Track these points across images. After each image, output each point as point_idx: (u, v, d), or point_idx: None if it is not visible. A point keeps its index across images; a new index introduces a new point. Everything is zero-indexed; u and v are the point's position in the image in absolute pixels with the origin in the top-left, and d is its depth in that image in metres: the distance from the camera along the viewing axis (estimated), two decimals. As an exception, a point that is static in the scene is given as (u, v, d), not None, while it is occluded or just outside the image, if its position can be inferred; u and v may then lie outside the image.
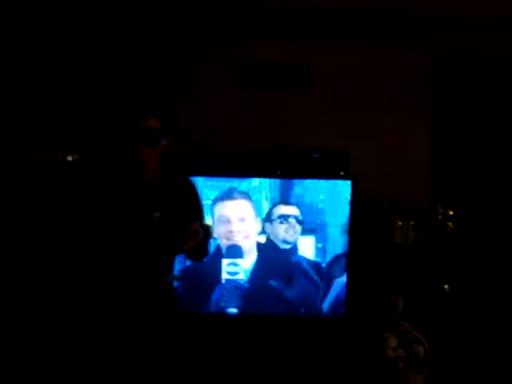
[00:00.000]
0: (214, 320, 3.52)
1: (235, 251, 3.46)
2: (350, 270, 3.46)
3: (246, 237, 3.45)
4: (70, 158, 3.33)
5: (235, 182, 3.47)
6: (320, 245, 3.43)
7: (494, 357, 3.82)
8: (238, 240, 3.44)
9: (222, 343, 3.44)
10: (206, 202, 3.45)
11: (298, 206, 3.45)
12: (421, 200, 3.81)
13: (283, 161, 3.57)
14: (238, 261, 3.45)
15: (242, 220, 3.45)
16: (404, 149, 3.86)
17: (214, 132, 3.77)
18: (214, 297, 3.50)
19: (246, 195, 3.46)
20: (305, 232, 3.43)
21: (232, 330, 3.47)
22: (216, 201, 3.46)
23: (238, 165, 3.54)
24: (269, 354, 3.42)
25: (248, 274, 3.46)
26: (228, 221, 3.44)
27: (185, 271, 3.50)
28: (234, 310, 3.50)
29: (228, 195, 3.46)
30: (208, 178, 3.47)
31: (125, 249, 2.07)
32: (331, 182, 3.46)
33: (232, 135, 3.75)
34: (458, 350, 3.87)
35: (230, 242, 3.45)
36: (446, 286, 3.76)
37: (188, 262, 3.43)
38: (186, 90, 3.80)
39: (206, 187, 3.46)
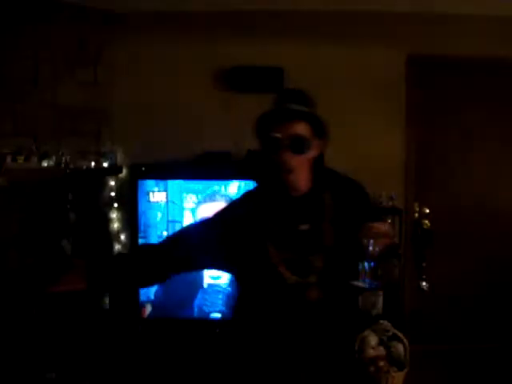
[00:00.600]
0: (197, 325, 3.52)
1: None
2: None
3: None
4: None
5: (217, 186, 3.47)
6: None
7: (472, 352, 3.88)
8: None
9: (205, 348, 3.42)
10: (188, 206, 3.47)
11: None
12: (397, 198, 3.85)
13: (259, 164, 3.57)
14: None
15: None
16: (379, 148, 3.89)
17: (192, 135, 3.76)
18: (197, 302, 3.48)
19: (226, 197, 3.47)
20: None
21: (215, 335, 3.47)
22: (200, 204, 3.48)
23: (217, 168, 3.55)
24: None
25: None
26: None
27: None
28: (217, 315, 3.51)
29: (211, 198, 3.47)
30: (189, 181, 3.49)
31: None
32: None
33: (209, 138, 3.74)
34: (438, 345, 3.93)
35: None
36: (424, 284, 3.80)
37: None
38: (161, 92, 3.80)
39: (188, 191, 3.47)
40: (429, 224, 3.89)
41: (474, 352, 3.92)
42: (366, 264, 1.86)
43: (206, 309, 3.54)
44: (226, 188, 3.50)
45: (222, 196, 3.49)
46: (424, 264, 3.86)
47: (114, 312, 3.64)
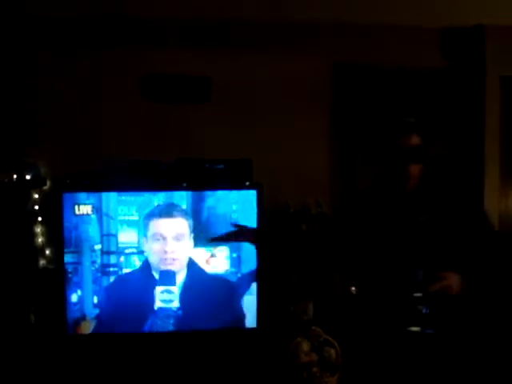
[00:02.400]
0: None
1: (169, 277, 3.39)
2: (260, 280, 3.49)
3: (179, 259, 3.39)
4: None
5: (148, 197, 3.41)
6: (235, 255, 3.44)
7: (402, 354, 3.97)
8: (172, 264, 3.38)
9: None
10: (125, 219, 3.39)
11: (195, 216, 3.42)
12: (324, 205, 3.91)
13: (189, 173, 3.56)
14: (172, 288, 3.40)
15: (177, 239, 3.38)
16: (304, 156, 3.95)
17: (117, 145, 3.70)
18: (147, 325, 3.45)
19: (183, 212, 3.40)
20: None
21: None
22: (150, 217, 3.38)
23: (144, 178, 3.50)
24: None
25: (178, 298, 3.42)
26: (163, 239, 3.36)
27: (111, 290, 3.41)
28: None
29: (165, 212, 3.39)
30: (123, 193, 3.40)
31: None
32: (242, 192, 3.48)
33: (136, 148, 3.69)
34: (368, 350, 4.00)
35: (165, 267, 3.38)
36: (353, 289, 3.87)
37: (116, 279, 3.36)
38: (86, 101, 3.73)
39: (120, 203, 3.40)
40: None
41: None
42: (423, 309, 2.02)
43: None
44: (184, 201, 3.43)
45: (180, 212, 3.40)
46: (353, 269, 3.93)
47: (39, 328, 3.52)
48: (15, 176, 3.50)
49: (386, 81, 4.06)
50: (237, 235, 2.75)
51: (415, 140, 2.13)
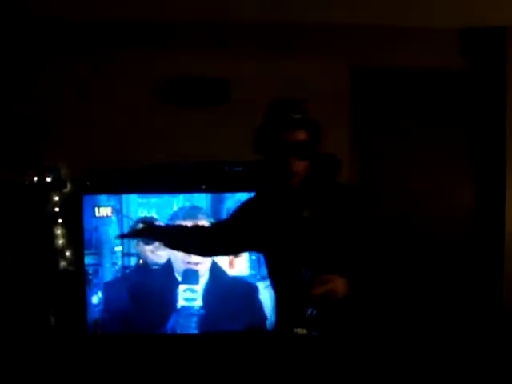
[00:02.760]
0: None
1: (192, 276, 3.41)
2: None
3: (202, 262, 3.41)
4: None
5: (168, 199, 3.43)
6: (254, 257, 3.43)
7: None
8: (196, 266, 3.40)
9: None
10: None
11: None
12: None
13: (207, 175, 3.57)
14: (195, 287, 3.41)
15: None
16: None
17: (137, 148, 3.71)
18: (170, 323, 3.45)
19: (206, 215, 3.42)
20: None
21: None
22: (173, 219, 3.40)
23: (162, 181, 3.50)
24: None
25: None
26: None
27: (135, 288, 3.43)
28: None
29: (189, 214, 3.40)
30: (139, 195, 3.42)
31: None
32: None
33: (155, 151, 3.70)
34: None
35: (188, 267, 3.40)
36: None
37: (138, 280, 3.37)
38: (104, 104, 3.74)
39: (140, 205, 3.40)
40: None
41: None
42: (309, 310, 1.93)
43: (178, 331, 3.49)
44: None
45: (203, 214, 3.42)
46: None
47: (59, 329, 3.53)
48: (36, 178, 3.52)
49: (405, 83, 4.05)
50: (142, 232, 2.68)
51: (301, 136, 2.07)
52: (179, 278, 3.41)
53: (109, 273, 3.43)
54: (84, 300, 3.42)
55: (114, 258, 3.42)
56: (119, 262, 3.42)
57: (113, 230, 3.40)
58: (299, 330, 1.92)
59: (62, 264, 3.64)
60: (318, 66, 3.90)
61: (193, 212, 3.40)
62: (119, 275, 3.43)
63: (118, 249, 3.41)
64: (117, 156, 3.67)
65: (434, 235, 4.11)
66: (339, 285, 1.91)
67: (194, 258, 3.36)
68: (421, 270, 4.04)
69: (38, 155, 3.62)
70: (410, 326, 3.93)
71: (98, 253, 3.42)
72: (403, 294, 3.62)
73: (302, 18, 3.71)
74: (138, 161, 3.61)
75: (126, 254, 3.42)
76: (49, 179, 3.59)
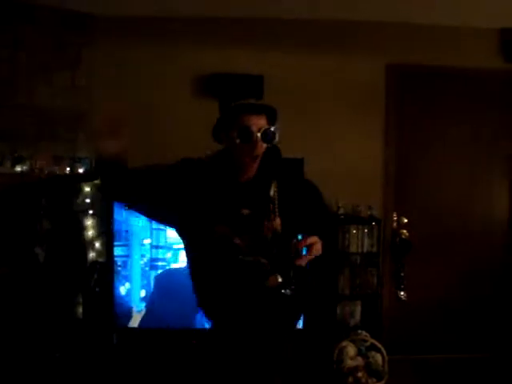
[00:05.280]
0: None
1: None
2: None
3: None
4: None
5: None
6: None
7: (449, 361, 3.87)
8: None
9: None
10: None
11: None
12: (375, 208, 3.85)
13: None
14: None
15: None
16: (358, 158, 3.90)
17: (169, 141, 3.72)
18: (197, 318, 3.44)
19: None
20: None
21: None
22: None
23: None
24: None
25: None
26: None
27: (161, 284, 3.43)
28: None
29: None
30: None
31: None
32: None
33: (190, 145, 3.69)
34: (417, 354, 3.93)
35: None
36: (402, 293, 3.79)
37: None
38: (139, 97, 3.76)
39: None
40: (407, 234, 3.89)
41: (451, 361, 3.92)
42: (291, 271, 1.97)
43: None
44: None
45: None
46: (402, 274, 3.86)
47: (87, 322, 3.56)
48: (68, 169, 3.55)
49: (444, 82, 3.98)
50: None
51: (263, 121, 1.99)
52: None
53: (137, 265, 3.44)
54: (112, 291, 3.44)
55: (142, 250, 3.43)
56: (148, 255, 3.43)
57: (142, 223, 3.42)
58: (287, 291, 1.95)
59: (91, 255, 3.68)
60: (352, 64, 3.87)
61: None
62: (147, 268, 3.44)
63: (147, 241, 3.42)
64: (148, 149, 3.68)
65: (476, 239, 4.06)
66: (319, 245, 1.96)
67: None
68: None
69: (71, 146, 3.66)
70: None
71: (128, 244, 3.44)
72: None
73: (335, 15, 3.69)
74: (170, 154, 3.60)
75: (154, 247, 3.43)
76: (81, 170, 3.62)
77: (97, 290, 3.53)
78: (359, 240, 3.75)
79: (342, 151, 3.85)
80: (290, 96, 3.80)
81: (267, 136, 1.97)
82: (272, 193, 2.00)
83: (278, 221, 1.98)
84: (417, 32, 3.86)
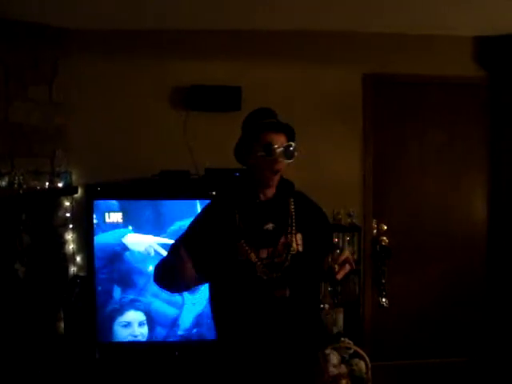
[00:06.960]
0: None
1: None
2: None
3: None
4: None
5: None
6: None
7: (433, 367, 3.89)
8: None
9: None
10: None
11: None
12: (355, 216, 3.88)
13: (218, 181, 3.55)
14: None
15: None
16: (337, 166, 3.94)
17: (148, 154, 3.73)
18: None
19: None
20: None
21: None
22: None
23: (174, 187, 3.51)
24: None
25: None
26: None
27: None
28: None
29: None
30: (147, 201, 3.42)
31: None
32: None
33: (168, 157, 3.71)
34: (399, 360, 3.95)
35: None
36: (384, 300, 3.82)
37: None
38: (117, 110, 3.77)
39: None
40: (387, 240, 3.93)
41: (435, 366, 3.95)
42: (330, 288, 2.12)
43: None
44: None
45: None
46: (383, 280, 3.90)
47: (69, 337, 3.53)
48: (47, 184, 3.54)
49: (420, 90, 4.03)
50: None
51: (284, 139, 2.14)
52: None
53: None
54: (94, 305, 3.42)
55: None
56: (129, 268, 3.42)
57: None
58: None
59: (72, 269, 3.66)
60: (329, 73, 3.91)
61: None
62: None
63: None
64: (128, 163, 3.69)
65: (454, 244, 4.11)
66: (351, 256, 2.06)
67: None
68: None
69: (50, 161, 3.65)
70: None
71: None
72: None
73: (312, 26, 3.73)
74: (149, 167, 3.61)
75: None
76: (60, 185, 3.61)
77: (79, 304, 3.51)
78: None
79: (320, 160, 3.87)
80: (267, 106, 3.81)
81: (288, 152, 2.11)
82: (291, 209, 2.18)
83: (299, 235, 2.14)
84: (393, 41, 3.92)
